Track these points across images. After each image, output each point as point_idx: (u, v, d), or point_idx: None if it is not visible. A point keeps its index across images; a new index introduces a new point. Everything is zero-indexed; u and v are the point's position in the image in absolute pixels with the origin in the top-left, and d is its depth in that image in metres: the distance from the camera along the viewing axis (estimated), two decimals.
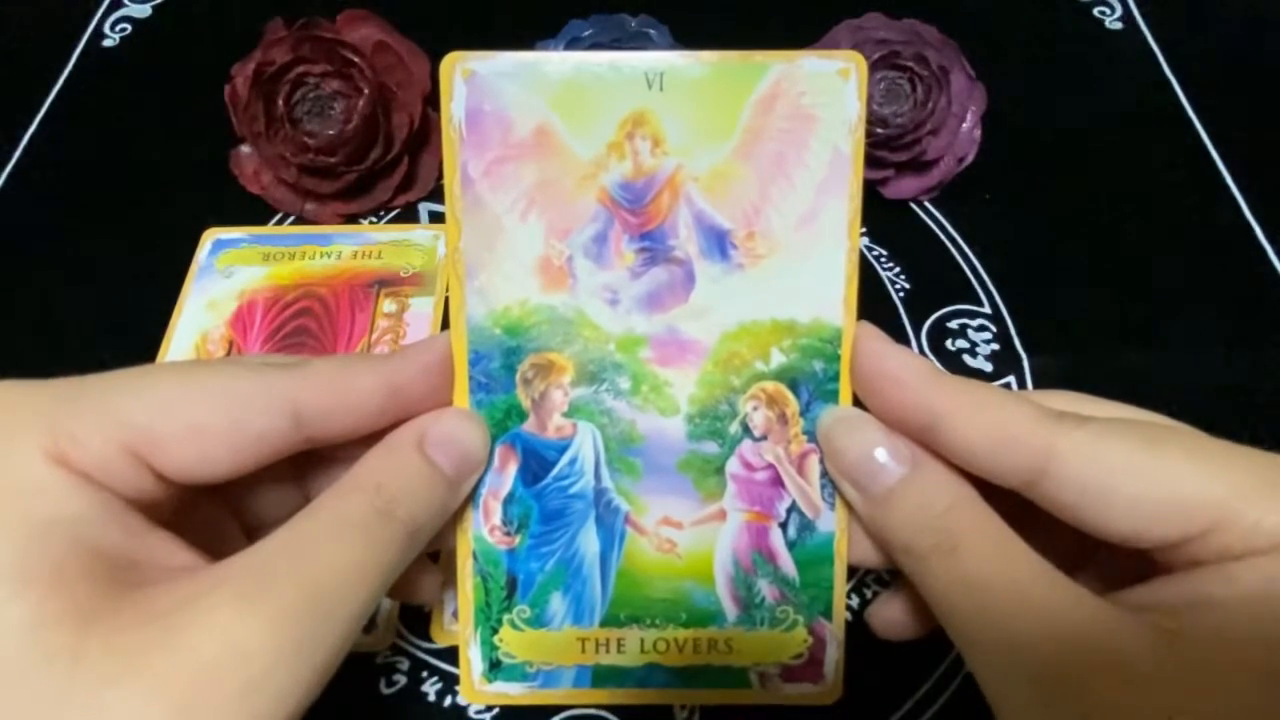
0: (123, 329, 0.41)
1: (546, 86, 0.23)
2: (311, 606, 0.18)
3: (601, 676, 0.26)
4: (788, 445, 0.25)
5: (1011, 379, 0.40)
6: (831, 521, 0.25)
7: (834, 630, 0.26)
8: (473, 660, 0.26)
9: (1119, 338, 0.41)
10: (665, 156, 0.23)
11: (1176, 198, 0.46)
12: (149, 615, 0.17)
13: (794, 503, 0.25)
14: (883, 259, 0.44)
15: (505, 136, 0.23)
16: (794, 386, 0.24)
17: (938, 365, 0.24)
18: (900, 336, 0.39)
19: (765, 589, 0.25)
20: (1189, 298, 0.42)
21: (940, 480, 0.23)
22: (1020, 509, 0.22)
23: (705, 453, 0.25)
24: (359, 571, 0.20)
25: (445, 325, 0.28)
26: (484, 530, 0.25)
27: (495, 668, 0.26)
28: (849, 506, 0.24)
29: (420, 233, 0.43)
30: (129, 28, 0.54)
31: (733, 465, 0.25)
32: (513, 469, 0.25)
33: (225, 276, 0.41)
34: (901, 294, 0.42)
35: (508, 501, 0.25)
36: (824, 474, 0.25)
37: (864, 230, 0.41)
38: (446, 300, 0.34)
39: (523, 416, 0.24)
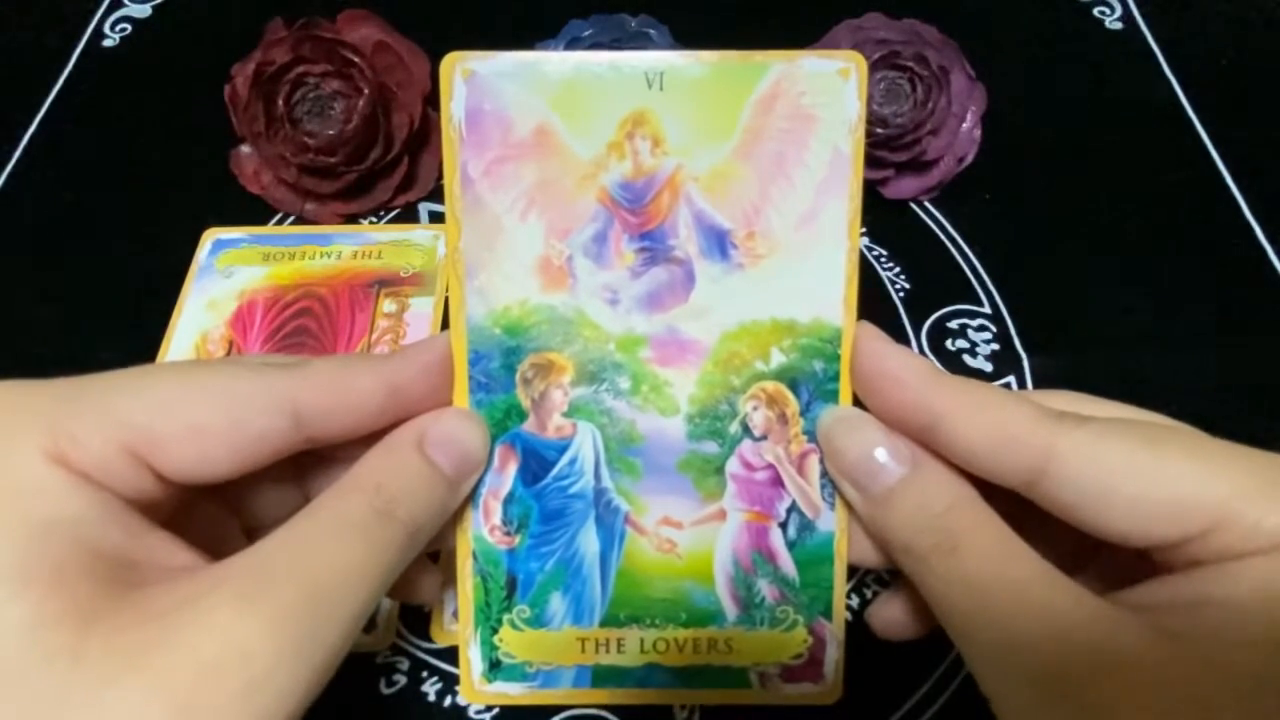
0: (123, 329, 0.41)
1: (546, 86, 0.23)
2: (311, 606, 0.18)
3: (601, 676, 0.26)
4: (788, 445, 0.25)
5: (1011, 379, 0.40)
6: (831, 521, 0.25)
7: (834, 630, 0.26)
8: (472, 660, 0.26)
9: (1119, 338, 0.41)
10: (665, 156, 0.23)
11: (1176, 198, 0.46)
12: (149, 615, 0.17)
13: (794, 503, 0.25)
14: (883, 259, 0.44)
15: (505, 136, 0.23)
16: (794, 386, 0.24)
17: (938, 365, 0.24)
18: (900, 336, 0.39)
19: (765, 589, 0.25)
20: (1189, 298, 0.42)
21: (940, 480, 0.23)
22: (1020, 509, 0.22)
23: (705, 453, 0.25)
24: (359, 571, 0.20)
25: (445, 325, 0.28)
26: (484, 530, 0.25)
27: (495, 668, 0.26)
28: (849, 506, 0.24)
29: (420, 233, 0.43)
30: (129, 28, 0.54)
31: (733, 465, 0.25)
32: (512, 469, 0.25)
33: (225, 276, 0.41)
34: (901, 294, 0.42)
35: (508, 501, 0.25)
36: (824, 474, 0.25)
37: (864, 230, 0.41)
38: (446, 300, 0.34)
39: (522, 416, 0.24)
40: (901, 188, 0.45)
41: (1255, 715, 0.18)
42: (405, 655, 0.32)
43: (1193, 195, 0.46)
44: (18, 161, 0.47)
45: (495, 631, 0.25)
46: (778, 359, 0.24)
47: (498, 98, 0.23)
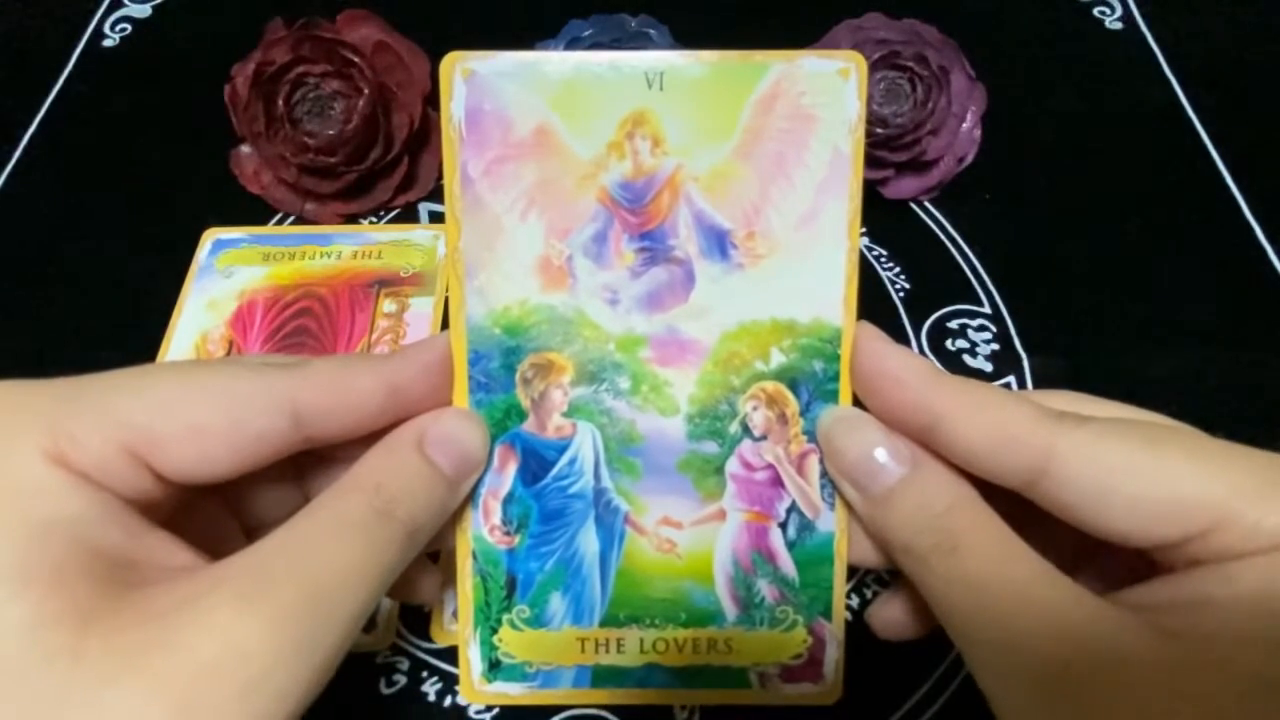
0: (123, 329, 0.41)
1: (546, 86, 0.23)
2: (311, 606, 0.18)
3: (601, 676, 0.26)
4: (787, 445, 0.25)
5: (1011, 379, 0.40)
6: (831, 521, 0.25)
7: (834, 630, 0.26)
8: (472, 660, 0.26)
9: (1119, 338, 0.41)
10: (665, 156, 0.23)
11: (1176, 198, 0.46)
12: (148, 615, 0.17)
13: (794, 503, 0.25)
14: (883, 259, 0.44)
15: (505, 136, 0.23)
16: (794, 386, 0.24)
17: (938, 365, 0.24)
18: (900, 336, 0.39)
19: (765, 589, 0.25)
20: (1189, 298, 0.42)
21: (940, 480, 0.23)
22: (1020, 509, 0.22)
23: (705, 453, 0.25)
24: (359, 571, 0.20)
25: (445, 325, 0.28)
26: (484, 530, 0.25)
27: (495, 668, 0.26)
28: (849, 506, 0.24)
29: (420, 233, 0.43)
30: (129, 28, 0.54)
31: (732, 465, 0.25)
32: (512, 469, 0.25)
33: (225, 276, 0.41)
34: (901, 294, 0.42)
35: (507, 501, 0.25)
36: (824, 474, 0.25)
37: (864, 230, 0.41)
38: (446, 300, 0.34)
39: (522, 416, 0.24)
40: (901, 188, 0.45)
41: (1255, 715, 0.18)
42: (405, 655, 0.32)
43: (1193, 195, 0.46)
44: (18, 161, 0.47)
45: (495, 631, 0.25)
46: (777, 359, 0.24)
47: (498, 97, 0.23)
